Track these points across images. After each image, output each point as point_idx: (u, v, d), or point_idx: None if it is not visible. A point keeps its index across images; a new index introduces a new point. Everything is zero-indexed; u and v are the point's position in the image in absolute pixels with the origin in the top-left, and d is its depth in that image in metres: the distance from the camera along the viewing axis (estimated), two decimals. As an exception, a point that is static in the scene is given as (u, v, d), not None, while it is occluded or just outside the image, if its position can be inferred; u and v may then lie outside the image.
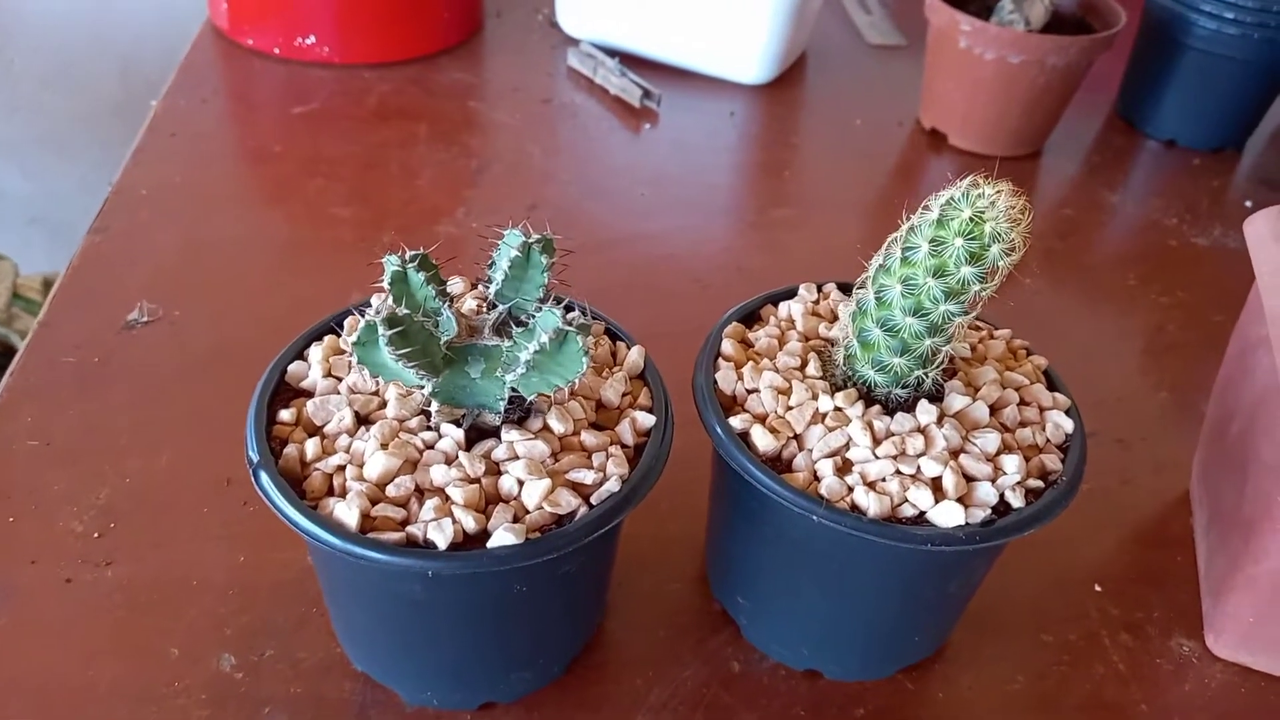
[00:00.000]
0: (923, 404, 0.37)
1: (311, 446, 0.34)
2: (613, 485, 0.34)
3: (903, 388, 0.37)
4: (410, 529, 0.32)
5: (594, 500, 0.33)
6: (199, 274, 0.61)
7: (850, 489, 0.35)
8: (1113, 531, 0.51)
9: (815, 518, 0.34)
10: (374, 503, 0.32)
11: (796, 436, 0.37)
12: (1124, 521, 0.52)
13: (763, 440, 0.36)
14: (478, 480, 0.33)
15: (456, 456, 0.34)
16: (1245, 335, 0.47)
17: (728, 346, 0.40)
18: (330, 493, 0.33)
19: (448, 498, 0.33)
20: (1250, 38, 0.79)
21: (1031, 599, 0.47)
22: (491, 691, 0.39)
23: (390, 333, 0.30)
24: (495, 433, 0.35)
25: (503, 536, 0.31)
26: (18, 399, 0.51)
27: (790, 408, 0.37)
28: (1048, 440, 0.38)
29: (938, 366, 0.37)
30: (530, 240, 0.33)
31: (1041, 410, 0.39)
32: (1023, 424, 0.38)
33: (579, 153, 0.78)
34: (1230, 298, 0.69)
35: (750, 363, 0.40)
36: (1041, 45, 0.74)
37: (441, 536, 0.31)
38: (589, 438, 0.35)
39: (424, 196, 0.70)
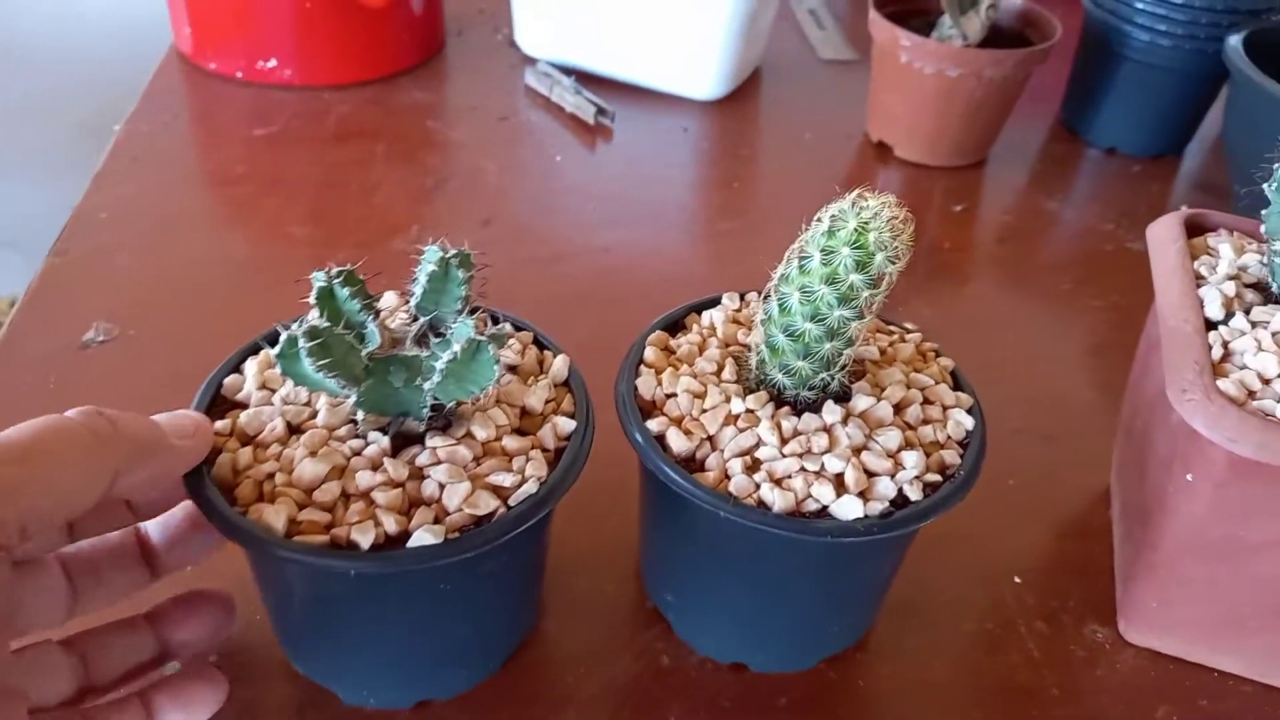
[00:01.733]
0: (829, 405, 0.39)
1: (244, 455, 0.36)
2: (530, 487, 0.36)
3: (810, 389, 0.40)
4: (335, 531, 0.34)
5: (512, 501, 0.35)
6: (157, 294, 0.62)
7: (758, 486, 0.37)
8: (1035, 525, 0.53)
9: (722, 514, 0.36)
10: (301, 507, 0.34)
11: (710, 438, 0.39)
12: (1046, 515, 0.54)
13: (677, 442, 0.38)
14: (401, 484, 0.35)
15: (382, 462, 0.36)
16: (1149, 337, 0.50)
17: (650, 354, 0.43)
18: (260, 498, 0.35)
19: (372, 501, 0.35)
20: (1182, 49, 0.82)
21: (953, 591, 0.49)
22: (427, 689, 0.41)
23: (310, 345, 0.32)
24: (420, 439, 0.37)
25: (422, 537, 0.33)
26: (-23, 417, 0.52)
27: (705, 410, 0.40)
28: (949, 437, 0.40)
29: (841, 368, 0.39)
30: (447, 255, 0.35)
31: (945, 409, 0.41)
32: (925, 421, 0.40)
33: (534, 169, 0.81)
34: (1161, 299, 0.71)
35: (670, 368, 0.42)
36: (978, 59, 0.77)
37: (364, 538, 0.33)
38: (511, 442, 0.37)
39: (380, 214, 0.72)
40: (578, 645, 0.45)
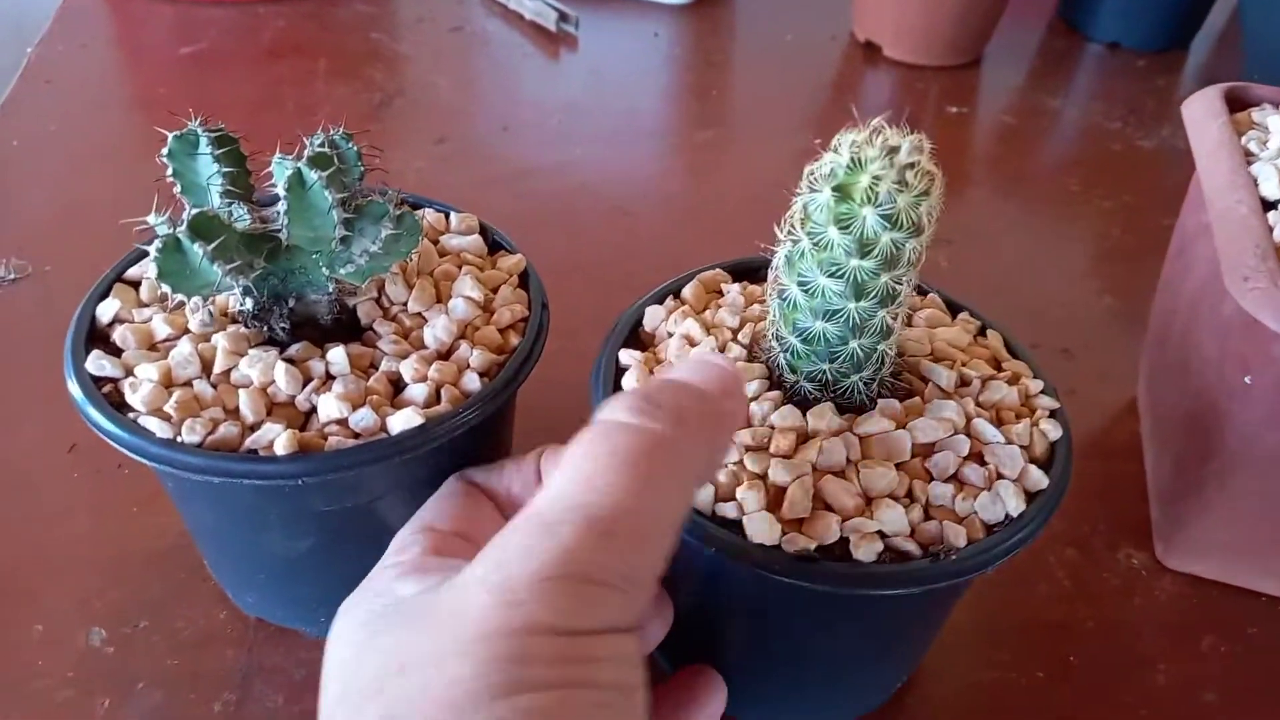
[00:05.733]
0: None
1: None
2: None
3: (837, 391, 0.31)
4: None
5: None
6: (74, 228, 0.56)
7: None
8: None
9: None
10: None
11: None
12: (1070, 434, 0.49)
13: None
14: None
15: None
16: (1185, 229, 0.44)
17: (690, 291, 0.35)
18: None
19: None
20: (1191, -73, 0.75)
21: (971, 519, 0.44)
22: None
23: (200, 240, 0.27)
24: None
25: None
26: None
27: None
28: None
29: (875, 367, 0.31)
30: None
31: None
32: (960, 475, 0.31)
33: (491, 82, 0.74)
34: (1177, 200, 0.66)
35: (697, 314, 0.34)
36: (973, -57, 0.70)
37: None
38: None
39: (323, 135, 0.65)
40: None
